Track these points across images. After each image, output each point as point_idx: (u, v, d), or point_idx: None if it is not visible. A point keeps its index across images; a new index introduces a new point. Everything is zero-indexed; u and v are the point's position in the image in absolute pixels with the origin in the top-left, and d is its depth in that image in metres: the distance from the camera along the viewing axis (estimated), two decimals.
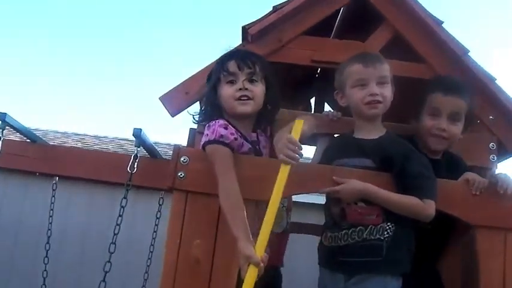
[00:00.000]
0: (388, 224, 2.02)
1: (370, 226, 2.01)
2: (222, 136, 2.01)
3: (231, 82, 2.12)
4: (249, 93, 2.10)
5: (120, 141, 6.45)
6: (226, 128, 2.04)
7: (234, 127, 2.08)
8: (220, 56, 2.21)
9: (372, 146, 2.14)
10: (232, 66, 2.11)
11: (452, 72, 2.53)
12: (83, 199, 5.41)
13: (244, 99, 2.10)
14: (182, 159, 2.02)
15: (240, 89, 2.10)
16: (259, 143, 2.21)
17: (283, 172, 1.88)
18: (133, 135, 2.65)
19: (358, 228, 2.01)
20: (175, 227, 1.99)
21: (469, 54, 2.51)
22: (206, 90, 2.18)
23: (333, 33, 3.14)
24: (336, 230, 2.05)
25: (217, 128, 2.03)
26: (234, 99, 2.10)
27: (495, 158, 2.47)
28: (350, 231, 2.02)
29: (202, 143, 2.07)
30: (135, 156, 2.67)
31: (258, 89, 2.13)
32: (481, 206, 2.09)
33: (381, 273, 2.00)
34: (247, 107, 2.12)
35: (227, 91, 2.11)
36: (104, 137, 6.57)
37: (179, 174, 2.01)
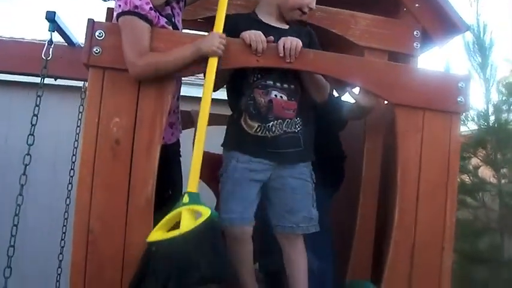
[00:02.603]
0: (298, 118, 2.09)
1: (286, 120, 2.07)
2: (136, 7, 1.85)
3: None
4: None
5: (41, 42, 6.04)
6: None
7: None
8: None
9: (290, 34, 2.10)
10: None
11: None
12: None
13: None
14: (97, 33, 1.87)
15: None
16: (174, 17, 2.09)
17: (212, 64, 1.89)
18: (46, 18, 2.46)
19: (278, 121, 2.05)
20: (92, 106, 1.87)
21: None
22: None
23: None
24: (264, 121, 2.05)
25: None
26: None
27: (418, 45, 2.50)
28: (274, 122, 2.05)
29: (115, 15, 1.89)
30: (50, 42, 2.50)
31: None
32: (402, 86, 2.14)
33: (304, 161, 2.12)
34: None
35: None
36: (21, 39, 6.11)
37: (94, 49, 1.86)
